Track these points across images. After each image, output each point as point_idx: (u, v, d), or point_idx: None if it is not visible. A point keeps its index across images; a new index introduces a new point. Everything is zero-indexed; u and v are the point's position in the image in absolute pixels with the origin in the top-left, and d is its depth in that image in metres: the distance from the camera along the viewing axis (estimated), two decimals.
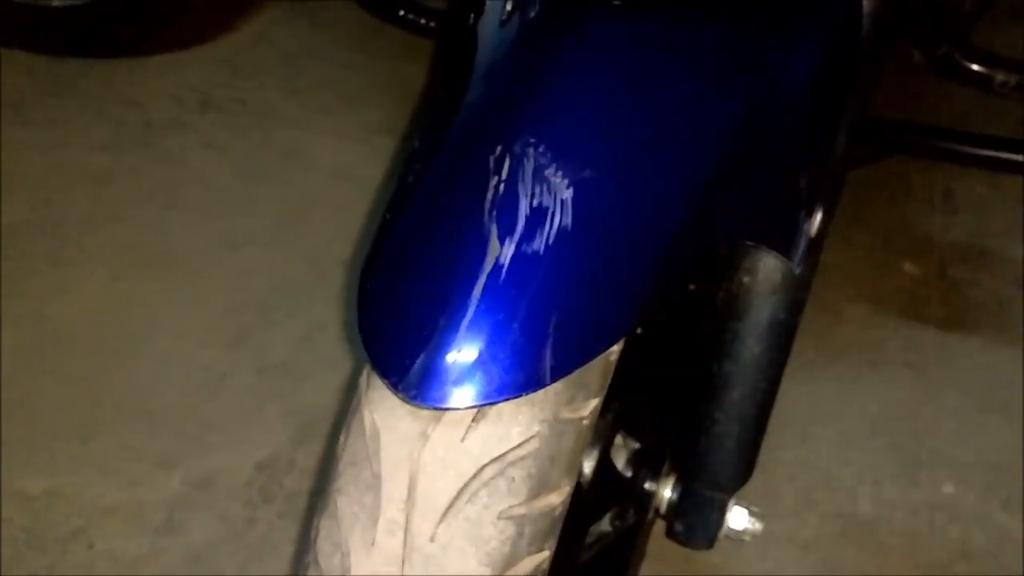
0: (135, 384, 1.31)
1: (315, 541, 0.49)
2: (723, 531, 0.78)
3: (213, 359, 1.36)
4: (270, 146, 1.70)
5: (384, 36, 1.92)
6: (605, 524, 0.77)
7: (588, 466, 0.70)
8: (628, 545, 0.86)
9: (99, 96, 1.75)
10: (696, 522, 0.78)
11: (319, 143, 1.71)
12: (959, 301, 1.54)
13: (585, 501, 0.69)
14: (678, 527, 0.79)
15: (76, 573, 1.11)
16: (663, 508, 0.79)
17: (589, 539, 0.74)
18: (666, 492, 0.79)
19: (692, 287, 0.79)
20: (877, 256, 1.60)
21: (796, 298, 0.70)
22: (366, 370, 0.50)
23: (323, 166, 1.67)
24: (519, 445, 0.46)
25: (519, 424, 0.47)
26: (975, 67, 0.96)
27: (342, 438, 0.50)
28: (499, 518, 0.46)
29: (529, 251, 0.46)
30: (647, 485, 0.79)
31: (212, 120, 1.74)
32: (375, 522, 0.46)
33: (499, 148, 0.48)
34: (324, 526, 0.48)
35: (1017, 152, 1.11)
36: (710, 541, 0.78)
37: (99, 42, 1.83)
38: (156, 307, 1.42)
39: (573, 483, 0.50)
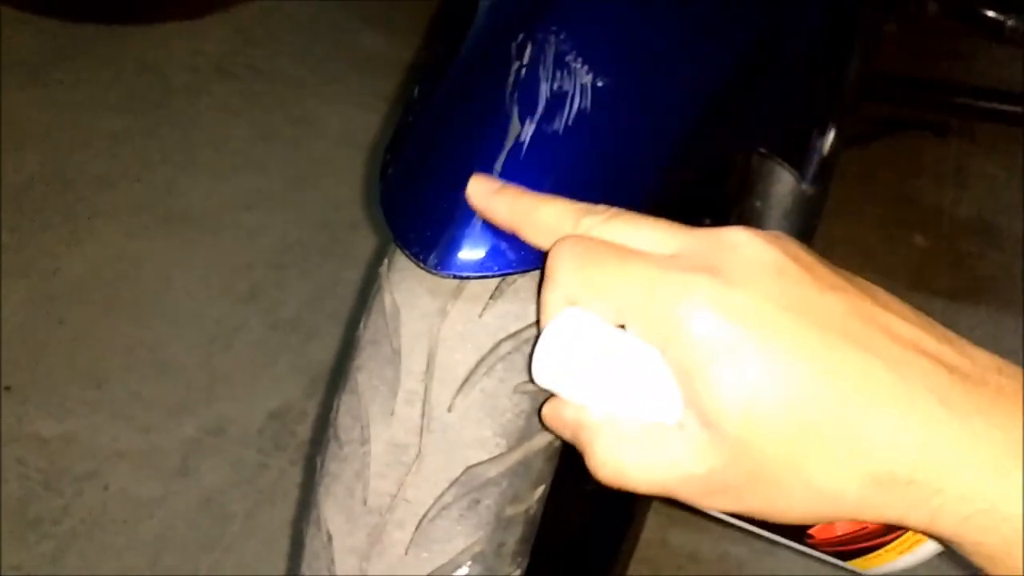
0: (147, 336, 1.33)
1: (335, 418, 0.50)
2: None
3: (225, 314, 1.37)
4: (282, 112, 1.71)
5: (396, 7, 1.93)
6: None
7: None
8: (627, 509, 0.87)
9: (115, 60, 1.77)
10: None
11: (330, 110, 1.72)
12: (967, 274, 1.55)
13: None
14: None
15: (90, 513, 1.13)
16: None
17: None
18: None
19: (707, 221, 0.80)
20: (888, 228, 1.61)
21: (808, 222, 0.71)
22: (386, 256, 0.51)
23: (334, 132, 1.68)
24: (535, 322, 0.47)
25: (536, 302, 0.47)
26: (988, 13, 0.97)
27: (363, 320, 0.51)
28: (515, 392, 0.47)
29: (549, 131, 0.47)
30: None
31: (226, 86, 1.75)
32: (395, 394, 0.47)
33: (521, 35, 0.49)
34: (344, 401, 0.49)
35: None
36: None
37: (115, 7, 1.85)
38: (169, 263, 1.43)
39: None
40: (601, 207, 0.40)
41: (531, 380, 0.41)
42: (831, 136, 0.66)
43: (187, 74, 1.77)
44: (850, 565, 0.44)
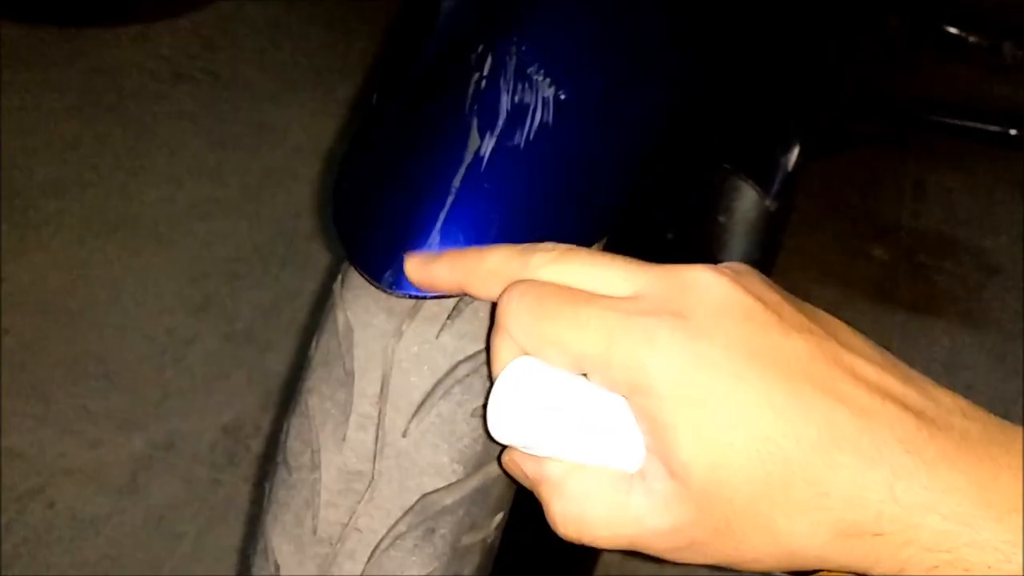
0: (96, 348, 1.29)
1: (284, 442, 0.48)
2: None
3: (177, 325, 1.34)
4: (241, 118, 1.68)
5: (359, 14, 1.91)
6: None
7: None
8: None
9: (69, 64, 1.73)
10: None
11: (290, 117, 1.70)
12: (926, 286, 1.56)
13: None
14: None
15: (34, 532, 1.09)
16: None
17: None
18: None
19: (670, 236, 0.78)
20: (847, 241, 1.62)
21: (772, 237, 0.70)
22: (340, 273, 0.49)
23: (293, 140, 1.65)
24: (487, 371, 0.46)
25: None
26: (950, 29, 0.97)
27: (315, 340, 0.49)
28: (472, 416, 0.45)
29: (510, 145, 0.45)
30: None
31: (183, 91, 1.72)
32: (347, 418, 0.45)
33: (481, 46, 0.47)
34: (294, 425, 0.47)
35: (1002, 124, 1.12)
36: None
37: (71, 11, 1.80)
38: (120, 272, 1.40)
39: None
40: (549, 244, 0.39)
41: (486, 432, 0.38)
42: (795, 151, 0.65)
43: (142, 78, 1.73)
44: None
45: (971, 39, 0.94)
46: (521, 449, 0.38)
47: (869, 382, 0.34)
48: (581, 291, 0.36)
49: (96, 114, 1.63)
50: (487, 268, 0.39)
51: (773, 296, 0.36)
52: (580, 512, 0.36)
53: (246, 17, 1.89)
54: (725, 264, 0.37)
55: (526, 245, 0.39)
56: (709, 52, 0.55)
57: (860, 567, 0.33)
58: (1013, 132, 1.25)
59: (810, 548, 0.33)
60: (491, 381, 0.38)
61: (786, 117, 0.62)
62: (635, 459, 0.35)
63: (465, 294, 0.41)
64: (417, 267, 0.42)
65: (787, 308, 0.35)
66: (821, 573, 0.40)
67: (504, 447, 0.40)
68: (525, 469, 0.38)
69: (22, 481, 1.13)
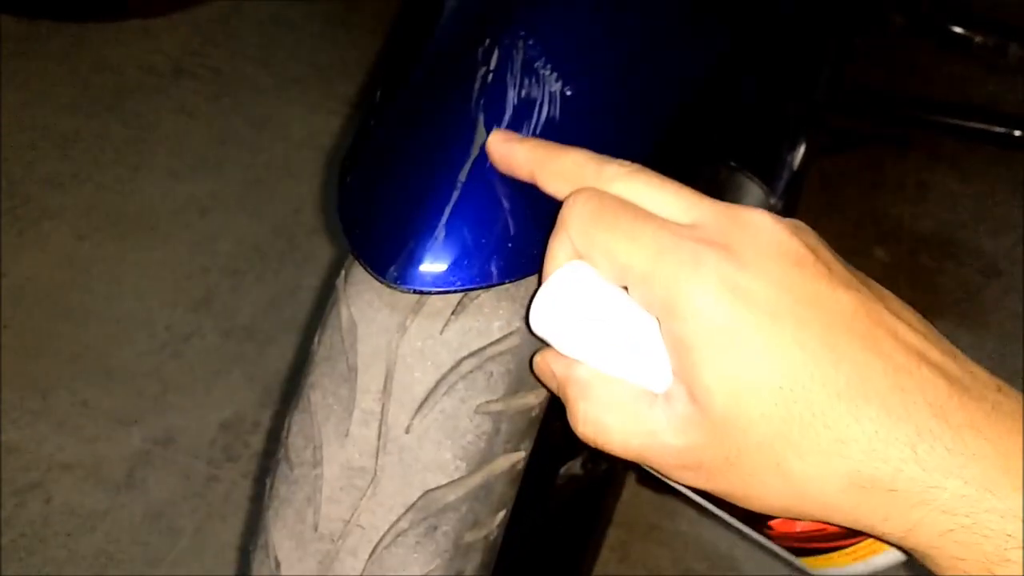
0: (95, 343, 1.28)
1: (286, 438, 0.47)
2: None
3: (177, 320, 1.33)
4: (241, 114, 1.68)
5: (359, 11, 1.90)
6: (577, 467, 0.76)
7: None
8: (599, 497, 0.86)
9: (69, 59, 1.72)
10: None
11: (290, 113, 1.69)
12: (926, 288, 1.56)
13: (558, 438, 0.68)
14: (650, 472, 0.78)
15: (32, 526, 1.09)
16: None
17: (560, 480, 0.73)
18: None
19: None
20: (848, 241, 1.61)
21: None
22: (344, 268, 0.49)
23: (293, 136, 1.65)
24: (499, 340, 0.45)
25: (500, 319, 0.45)
26: (955, 29, 0.97)
27: (317, 335, 0.48)
28: (476, 412, 0.45)
29: None
30: None
31: (184, 86, 1.71)
32: (350, 413, 0.45)
33: (488, 40, 0.47)
34: (296, 420, 0.47)
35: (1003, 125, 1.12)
36: None
37: (72, 6, 1.80)
38: (120, 267, 1.39)
39: None
40: (624, 160, 0.39)
41: (527, 325, 0.40)
42: (801, 150, 0.65)
43: (143, 74, 1.73)
44: (801, 562, 0.44)
45: (976, 39, 0.94)
46: (555, 347, 0.39)
47: (909, 345, 0.34)
48: (642, 209, 0.37)
49: (96, 109, 1.63)
50: (562, 165, 0.40)
51: (827, 253, 0.36)
52: (600, 416, 0.37)
53: (247, 13, 1.89)
54: (787, 219, 0.37)
55: (604, 156, 0.39)
56: (716, 48, 0.55)
57: (866, 522, 0.33)
58: (1017, 133, 1.25)
59: (819, 494, 0.33)
60: (541, 279, 0.39)
61: (792, 115, 0.62)
62: (662, 381, 0.36)
63: (533, 183, 0.41)
64: (499, 142, 0.43)
65: (838, 266, 0.35)
66: (830, 554, 0.40)
67: (537, 351, 0.41)
68: (555, 368, 0.39)
69: (20, 476, 1.13)
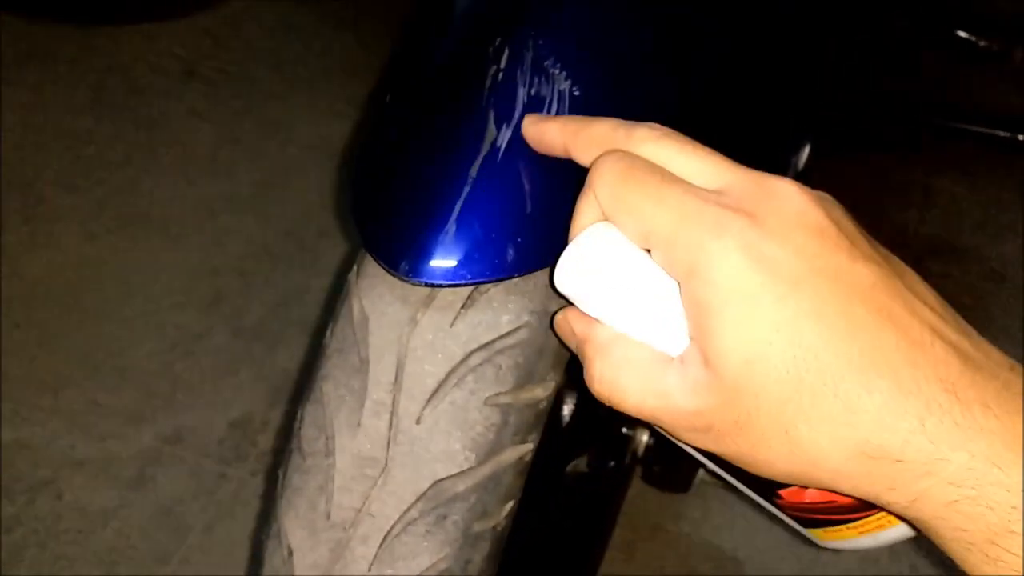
0: (106, 342, 1.30)
1: (299, 428, 0.48)
2: (699, 475, 0.78)
3: (187, 320, 1.34)
4: (252, 116, 1.69)
5: (369, 14, 1.92)
6: (583, 465, 0.77)
7: (567, 409, 0.70)
8: (606, 496, 0.86)
9: (81, 61, 1.74)
10: (673, 466, 0.78)
11: (300, 116, 1.70)
12: None
13: (564, 437, 0.69)
14: (655, 471, 0.79)
15: (43, 523, 1.10)
16: (640, 451, 0.79)
17: (567, 478, 0.74)
18: (643, 436, 0.79)
19: None
20: None
21: None
22: (355, 262, 0.50)
23: (303, 138, 1.66)
24: (508, 333, 0.46)
25: (509, 312, 0.46)
26: (960, 33, 0.97)
27: (329, 328, 0.49)
28: (485, 404, 0.46)
29: None
30: (624, 430, 0.79)
31: (195, 89, 1.73)
32: (361, 404, 0.46)
33: (499, 39, 0.48)
34: (308, 411, 0.48)
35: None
36: (686, 485, 0.78)
37: (83, 8, 1.81)
38: (131, 267, 1.40)
39: (559, 380, 0.50)
40: (654, 124, 0.40)
41: (551, 284, 0.41)
42: (805, 151, 0.66)
43: (154, 76, 1.74)
44: (810, 533, 0.44)
45: (981, 43, 0.94)
46: (577, 306, 0.40)
47: (924, 320, 0.34)
48: (670, 173, 0.37)
49: (107, 111, 1.64)
50: (592, 134, 0.40)
51: (850, 226, 0.36)
52: (616, 376, 0.38)
53: (257, 16, 1.90)
54: (813, 190, 0.37)
55: (632, 122, 0.40)
56: (721, 49, 0.55)
57: (872, 491, 0.34)
58: (1022, 138, 1.25)
59: (827, 462, 0.34)
60: (568, 240, 0.40)
61: (796, 117, 0.63)
62: (678, 344, 0.37)
63: (566, 155, 0.42)
64: (532, 123, 0.44)
65: (861, 239, 0.36)
66: (841, 527, 0.40)
67: (559, 309, 0.42)
68: (575, 327, 0.40)
69: (31, 473, 1.14)
